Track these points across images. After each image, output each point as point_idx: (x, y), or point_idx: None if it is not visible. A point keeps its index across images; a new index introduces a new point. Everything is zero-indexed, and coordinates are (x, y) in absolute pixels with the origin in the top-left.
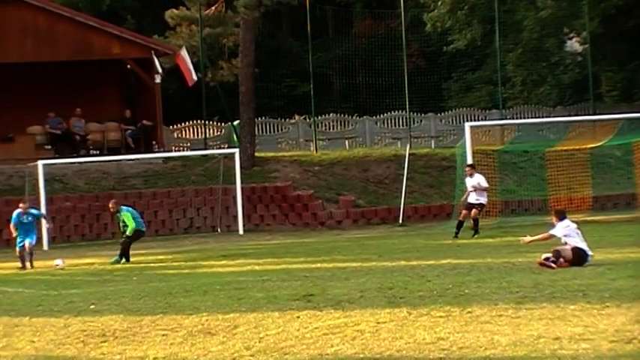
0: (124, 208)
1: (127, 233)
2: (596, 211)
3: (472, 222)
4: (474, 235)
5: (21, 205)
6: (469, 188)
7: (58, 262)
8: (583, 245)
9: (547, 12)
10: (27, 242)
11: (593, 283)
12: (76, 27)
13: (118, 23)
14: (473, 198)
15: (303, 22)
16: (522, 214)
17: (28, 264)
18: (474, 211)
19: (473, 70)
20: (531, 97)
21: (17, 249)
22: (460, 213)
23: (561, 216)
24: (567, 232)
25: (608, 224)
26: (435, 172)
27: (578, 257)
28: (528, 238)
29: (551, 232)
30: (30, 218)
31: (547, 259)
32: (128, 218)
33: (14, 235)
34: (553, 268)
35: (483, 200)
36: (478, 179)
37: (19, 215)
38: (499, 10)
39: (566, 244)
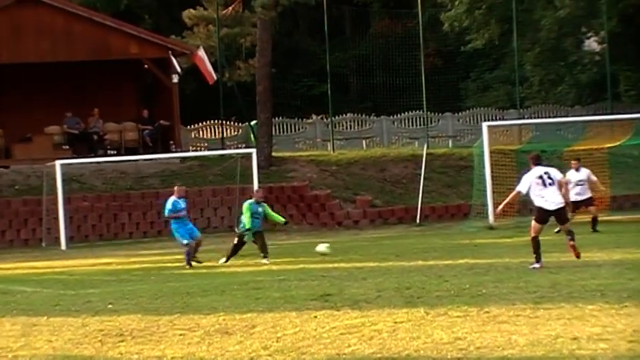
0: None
1: (284, 220)
2: (615, 210)
3: (591, 220)
4: (594, 231)
5: (176, 187)
6: (573, 182)
7: (322, 247)
8: (544, 197)
9: (565, 11)
10: (198, 236)
11: (612, 282)
12: (94, 27)
13: (135, 23)
14: (574, 194)
15: (320, 21)
16: None
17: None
18: (592, 208)
19: (490, 69)
20: (549, 97)
21: (184, 243)
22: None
23: (536, 161)
24: (529, 185)
25: (626, 224)
26: (452, 172)
27: (539, 215)
28: (500, 207)
29: (517, 188)
30: (184, 204)
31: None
32: (269, 212)
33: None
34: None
35: (589, 194)
36: (587, 173)
37: (175, 203)
38: (517, 10)
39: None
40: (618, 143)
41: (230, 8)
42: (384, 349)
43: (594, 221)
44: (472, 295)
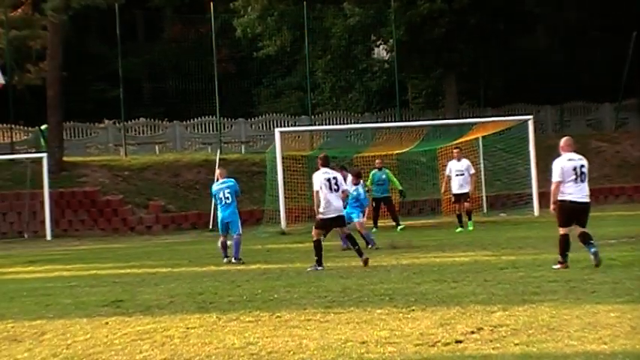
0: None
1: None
2: (403, 216)
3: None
4: (461, 229)
5: None
6: (455, 173)
7: None
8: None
9: (355, 19)
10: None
11: (400, 287)
12: None
13: None
14: (456, 186)
15: (112, 25)
16: None
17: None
18: (466, 204)
19: (282, 76)
20: (340, 104)
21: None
22: (456, 207)
23: (324, 163)
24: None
25: (414, 229)
26: (245, 178)
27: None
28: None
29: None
30: None
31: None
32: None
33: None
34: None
35: (468, 188)
36: (467, 164)
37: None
38: (308, 17)
39: None
40: (406, 150)
41: (19, 10)
42: (175, 355)
43: (469, 215)
44: (264, 300)
